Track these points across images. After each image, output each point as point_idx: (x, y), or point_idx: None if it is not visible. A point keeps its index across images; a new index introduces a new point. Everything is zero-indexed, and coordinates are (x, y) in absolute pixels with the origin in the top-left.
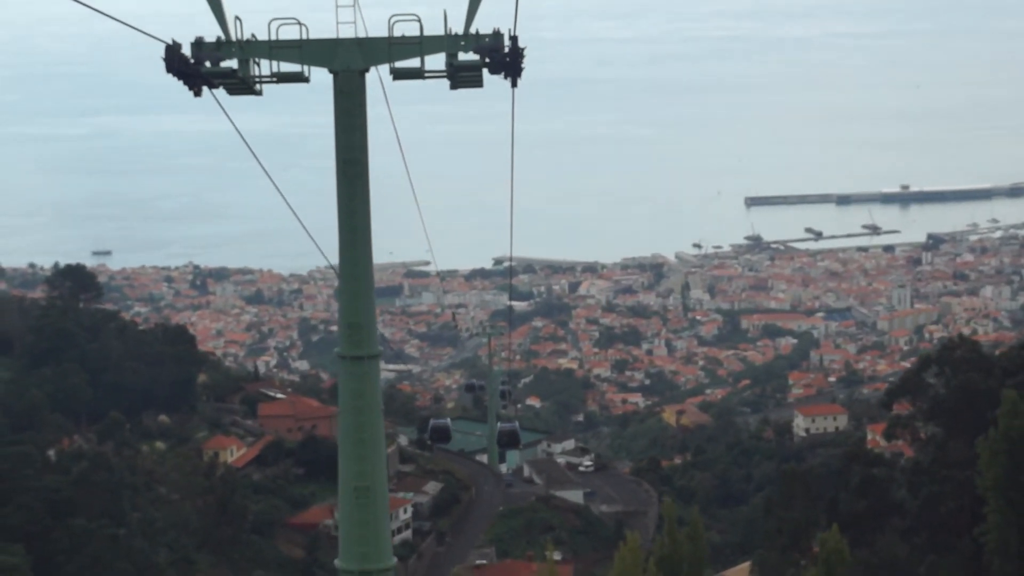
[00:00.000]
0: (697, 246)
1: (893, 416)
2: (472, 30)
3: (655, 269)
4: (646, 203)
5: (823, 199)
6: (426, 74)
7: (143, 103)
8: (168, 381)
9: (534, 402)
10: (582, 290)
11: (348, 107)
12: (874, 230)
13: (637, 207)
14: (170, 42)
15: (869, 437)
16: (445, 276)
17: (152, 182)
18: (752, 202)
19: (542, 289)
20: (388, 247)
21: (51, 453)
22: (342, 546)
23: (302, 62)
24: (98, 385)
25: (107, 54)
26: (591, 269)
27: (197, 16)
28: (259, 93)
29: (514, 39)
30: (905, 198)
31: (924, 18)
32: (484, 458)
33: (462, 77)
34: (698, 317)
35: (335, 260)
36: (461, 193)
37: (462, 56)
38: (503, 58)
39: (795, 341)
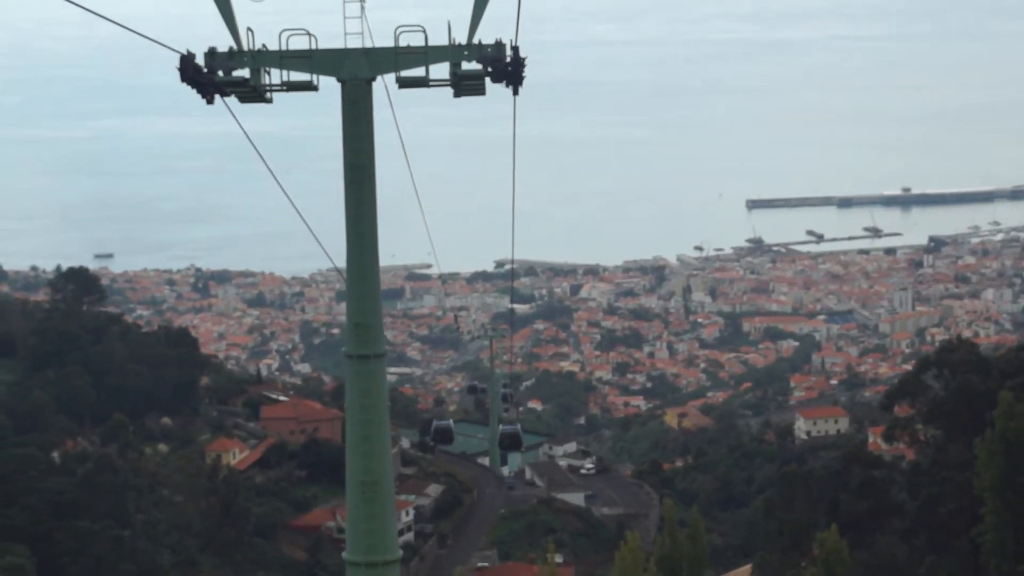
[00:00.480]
0: (699, 248)
1: (892, 418)
2: (475, 40)
3: (656, 272)
4: (647, 205)
5: (824, 202)
6: (431, 83)
7: (145, 105)
8: (171, 384)
9: (536, 405)
10: (584, 293)
11: (355, 115)
12: (876, 233)
13: (638, 209)
14: (184, 52)
15: (870, 440)
16: (447, 279)
17: (154, 185)
18: (753, 204)
19: (544, 292)
20: (390, 250)
21: (55, 455)
22: (349, 539)
23: (311, 71)
24: (101, 387)
25: (109, 57)
26: (593, 272)
27: (198, 18)
28: (269, 101)
29: (515, 49)
30: (907, 200)
31: (925, 20)
32: (486, 460)
33: (465, 86)
34: (699, 320)
35: (340, 262)
36: (463, 196)
37: (465, 65)
38: (505, 67)
39: (797, 344)
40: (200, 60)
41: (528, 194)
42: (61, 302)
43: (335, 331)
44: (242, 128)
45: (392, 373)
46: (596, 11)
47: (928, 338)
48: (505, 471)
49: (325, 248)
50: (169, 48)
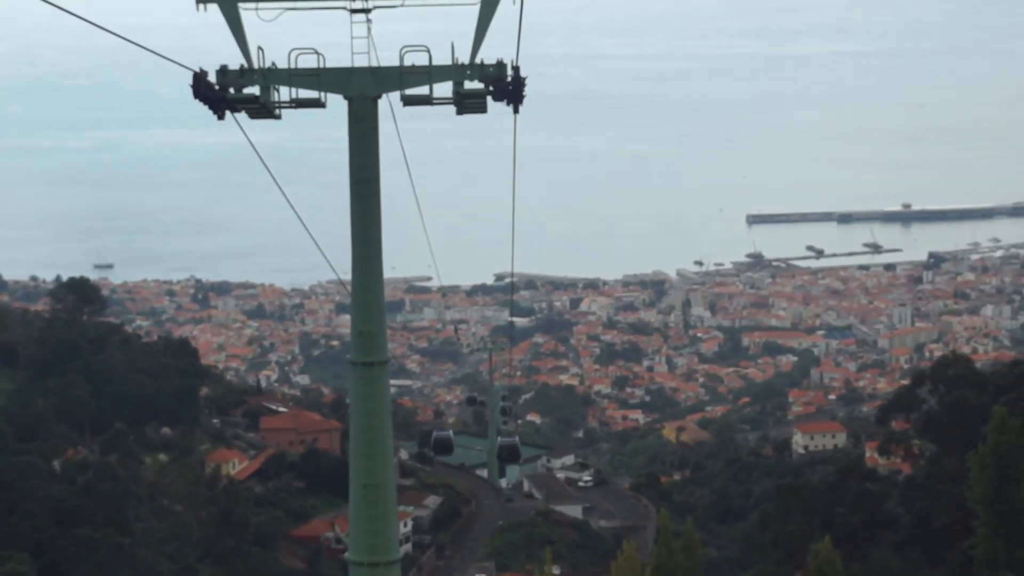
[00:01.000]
0: (699, 263)
1: (887, 432)
2: (477, 60)
3: (656, 286)
4: (648, 220)
5: (825, 217)
6: (434, 100)
7: (147, 117)
8: (171, 394)
9: (534, 418)
10: (583, 306)
11: (362, 131)
12: (875, 248)
13: (639, 224)
14: (197, 70)
15: (867, 455)
16: (446, 291)
17: (154, 195)
18: (754, 220)
19: (543, 305)
20: (390, 262)
21: (56, 463)
22: (352, 540)
23: (319, 89)
24: (102, 397)
25: (111, 67)
26: (592, 286)
27: (198, 29)
28: (278, 117)
29: (516, 69)
30: (907, 217)
31: (928, 38)
32: (484, 472)
33: (468, 103)
34: (699, 334)
35: (342, 273)
36: (463, 208)
37: (468, 84)
38: (506, 87)
39: (796, 359)
40: (212, 77)
41: (529, 207)
42: (62, 312)
43: (335, 343)
44: (252, 145)
45: (391, 385)
46: (599, 26)
47: (927, 354)
48: (503, 483)
49: (329, 260)
50: (178, 64)
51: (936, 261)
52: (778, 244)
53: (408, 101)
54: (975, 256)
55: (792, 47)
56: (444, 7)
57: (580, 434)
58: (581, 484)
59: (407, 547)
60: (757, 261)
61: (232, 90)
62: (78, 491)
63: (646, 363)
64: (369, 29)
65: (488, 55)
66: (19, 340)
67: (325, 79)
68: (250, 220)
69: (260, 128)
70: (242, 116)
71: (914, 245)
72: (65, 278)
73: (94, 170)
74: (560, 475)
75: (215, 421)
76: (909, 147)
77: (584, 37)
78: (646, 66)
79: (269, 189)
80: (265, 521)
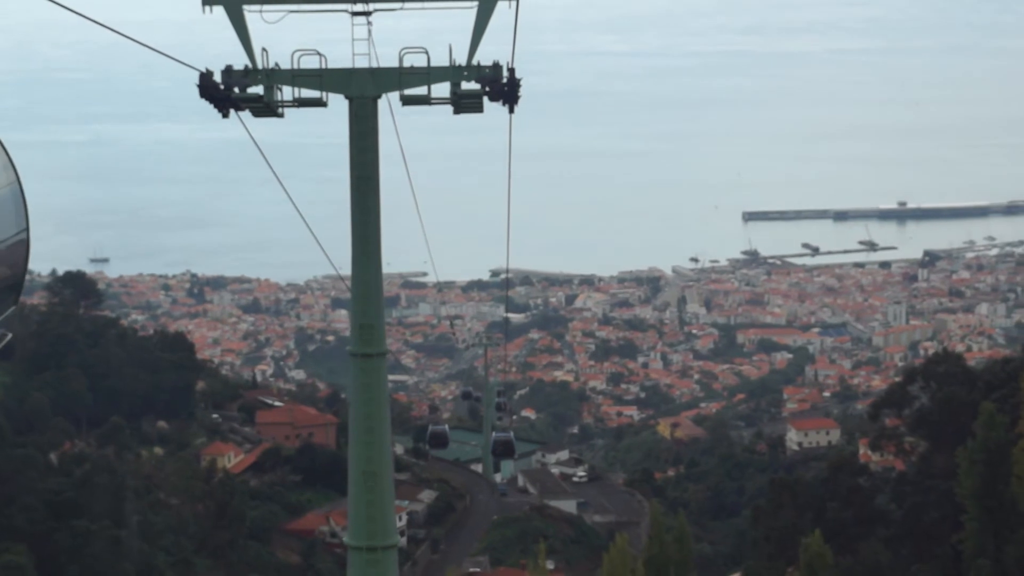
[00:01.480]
0: (694, 260)
1: (879, 428)
2: (474, 62)
3: (652, 283)
4: (644, 217)
5: (820, 215)
6: (432, 101)
7: (143, 111)
8: (167, 388)
9: (529, 414)
10: (579, 303)
11: (362, 130)
12: (871, 246)
13: (635, 220)
14: (204, 70)
15: (861, 451)
16: (442, 287)
17: (150, 190)
18: (750, 217)
19: (539, 301)
20: (385, 258)
21: (53, 456)
22: (351, 525)
23: (321, 89)
24: (98, 391)
25: (107, 61)
26: (588, 282)
27: (195, 24)
28: (281, 116)
29: (511, 71)
30: (902, 215)
31: (925, 36)
32: (479, 467)
33: (465, 103)
34: (694, 331)
35: (340, 268)
36: (459, 204)
37: (465, 85)
38: (502, 88)
39: (790, 356)
40: (214, 76)
41: (524, 204)
42: (58, 306)
43: (330, 338)
44: (257, 144)
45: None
46: (595, 23)
47: (921, 352)
48: (498, 478)
49: (328, 255)
50: (184, 64)
51: (931, 259)
52: (773, 241)
53: (407, 101)
54: (970, 254)
55: (788, 44)
56: (442, 10)
57: (575, 430)
58: (576, 479)
59: (402, 541)
60: (752, 258)
61: (237, 90)
62: (75, 484)
63: (641, 359)
64: (369, 31)
65: (486, 51)
66: (16, 334)
67: (327, 80)
68: (246, 215)
69: (257, 124)
70: (245, 114)
71: (909, 243)
72: (61, 272)
73: (90, 164)
74: (555, 470)
75: (215, 416)
76: (905, 145)
77: (580, 34)
78: (642, 63)
79: (265, 184)
80: (261, 515)
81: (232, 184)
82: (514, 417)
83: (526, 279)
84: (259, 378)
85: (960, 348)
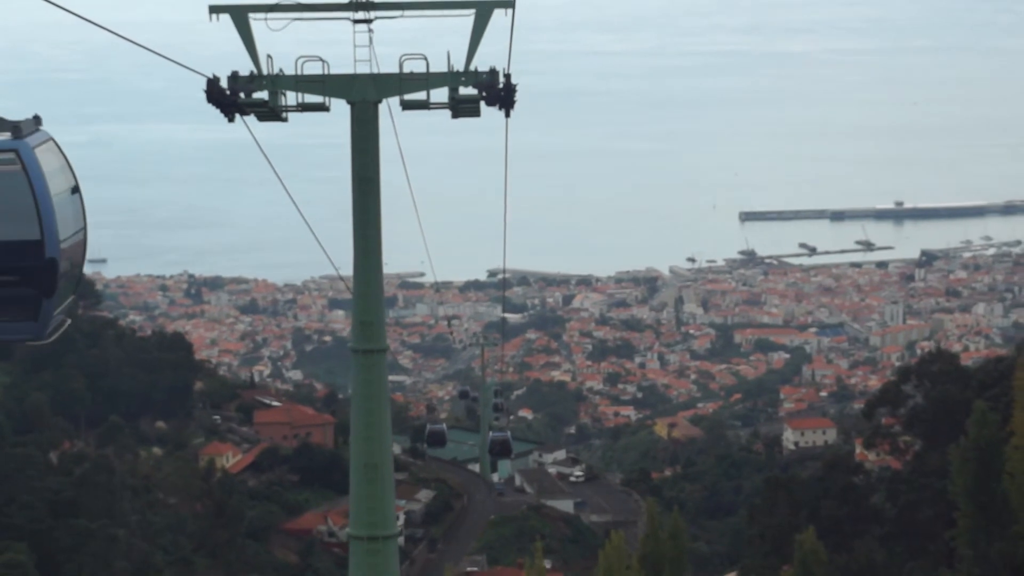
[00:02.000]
0: (691, 260)
1: (873, 426)
2: (472, 68)
3: (649, 283)
4: (641, 216)
5: (817, 215)
6: (431, 105)
7: (140, 112)
8: (165, 388)
9: (526, 414)
10: (576, 303)
11: (364, 133)
12: (868, 246)
13: (632, 220)
14: (211, 76)
15: (857, 451)
16: (439, 287)
17: (147, 190)
18: (747, 217)
19: (536, 301)
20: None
21: (53, 455)
22: (352, 515)
23: (324, 94)
24: (97, 391)
25: (104, 61)
26: (585, 282)
27: (192, 24)
28: (285, 120)
29: (507, 76)
30: (899, 214)
31: (923, 36)
32: (476, 467)
33: (462, 108)
34: (691, 331)
35: (339, 267)
36: (456, 204)
37: (462, 90)
38: (498, 93)
39: (787, 356)
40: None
41: (521, 204)
42: None
43: (327, 338)
44: (261, 147)
45: None
46: (592, 22)
47: (918, 351)
48: (495, 478)
49: (328, 254)
50: (195, 72)
51: (928, 259)
52: (771, 241)
53: (407, 106)
54: (967, 254)
55: (785, 44)
56: (441, 18)
57: (572, 430)
58: (573, 479)
59: (399, 540)
60: (750, 258)
61: (242, 95)
62: (74, 483)
63: (638, 360)
64: (371, 38)
65: (484, 50)
66: None
67: (329, 85)
68: (243, 216)
69: (254, 125)
70: (249, 119)
71: (906, 243)
72: None
73: (87, 165)
74: (552, 470)
75: (216, 417)
76: (902, 145)
77: (577, 33)
78: (639, 62)
79: (262, 184)
80: (259, 514)
81: (229, 185)
82: (511, 417)
83: (523, 279)
84: (256, 378)
85: (957, 348)
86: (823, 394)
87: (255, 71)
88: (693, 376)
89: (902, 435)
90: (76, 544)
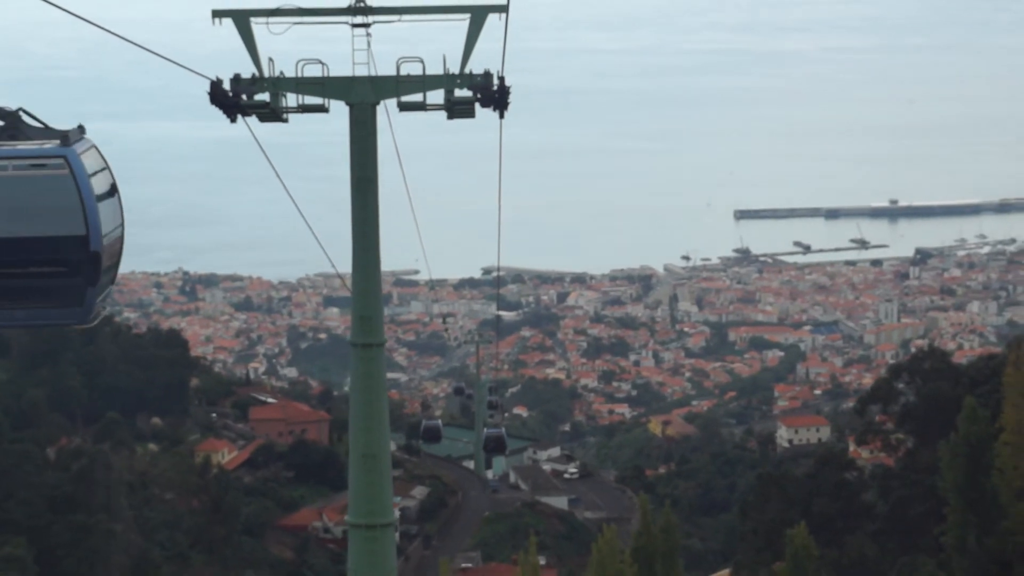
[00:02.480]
0: (686, 258)
1: (865, 423)
2: (467, 70)
3: (644, 281)
4: (635, 214)
5: (812, 213)
6: (427, 107)
7: (135, 109)
8: (161, 384)
9: (521, 411)
10: (570, 301)
11: (362, 134)
12: (862, 244)
13: (626, 218)
14: (215, 79)
15: (851, 448)
16: (434, 285)
17: (142, 188)
18: (741, 215)
19: (531, 299)
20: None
21: (50, 451)
22: (351, 505)
23: (324, 96)
24: (93, 387)
25: (99, 59)
26: (580, 280)
27: (188, 23)
28: (286, 121)
29: (502, 79)
30: (894, 213)
31: (918, 34)
32: (471, 464)
33: (457, 110)
34: (686, 329)
35: (338, 265)
36: (451, 202)
37: (458, 92)
38: (492, 95)
39: (782, 354)
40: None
41: (516, 201)
42: None
43: (322, 336)
44: (263, 149)
45: None
46: (587, 20)
47: (913, 350)
48: (490, 474)
49: (327, 252)
50: (199, 74)
51: (923, 257)
52: (765, 239)
53: (404, 107)
54: (962, 252)
55: (781, 42)
56: (437, 22)
57: (566, 428)
58: (567, 476)
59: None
60: (744, 256)
61: (245, 97)
62: (72, 479)
63: (633, 357)
64: (369, 42)
65: (480, 48)
66: (11, 330)
67: (329, 87)
68: (238, 213)
69: (253, 125)
70: (251, 119)
71: (901, 241)
72: None
73: None
74: (546, 467)
75: (213, 416)
76: (897, 143)
77: (573, 31)
78: (635, 61)
79: (258, 182)
80: (254, 510)
81: (224, 182)
82: (506, 414)
83: (518, 277)
84: (251, 376)
85: (951, 346)
86: (817, 392)
87: (257, 74)
88: (687, 374)
89: (894, 432)
90: (74, 539)
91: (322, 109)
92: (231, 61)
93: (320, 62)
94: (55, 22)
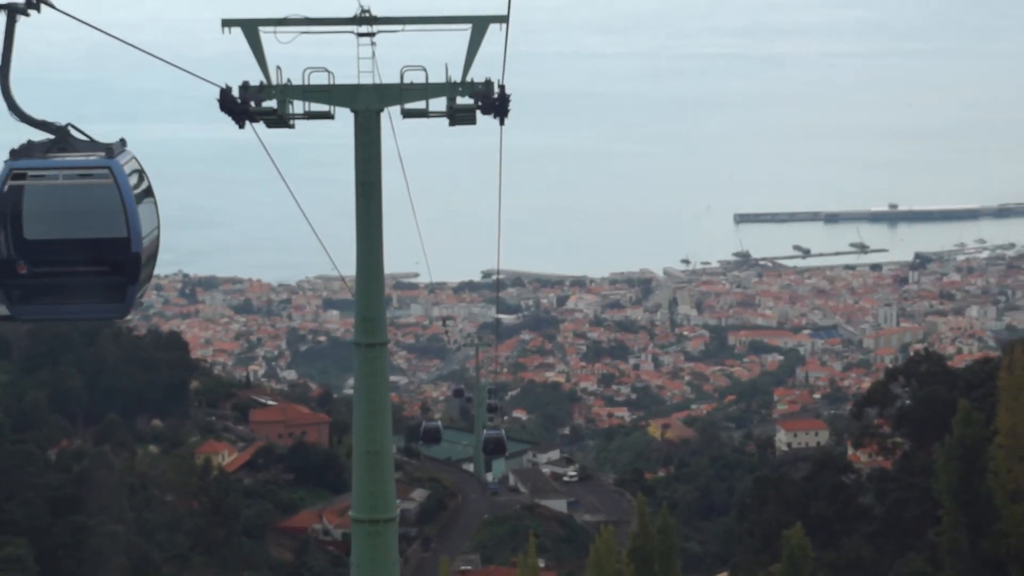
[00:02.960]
0: (685, 262)
1: (862, 425)
2: (468, 78)
3: (643, 284)
4: (635, 218)
5: (812, 217)
6: (430, 114)
7: (135, 111)
8: (162, 386)
9: (520, 414)
10: (570, 304)
11: (366, 141)
12: (862, 248)
13: (626, 222)
14: (224, 86)
15: (849, 452)
16: (434, 288)
17: None
18: (741, 219)
19: (530, 302)
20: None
21: (51, 453)
22: (355, 500)
23: (330, 103)
24: (94, 389)
25: (99, 61)
26: (579, 283)
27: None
28: (292, 127)
29: (502, 87)
30: (893, 217)
31: (917, 38)
32: (470, 467)
33: (459, 117)
34: (685, 332)
35: (341, 266)
36: (452, 205)
37: (459, 100)
38: (493, 102)
39: (781, 358)
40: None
41: (516, 205)
42: None
43: (321, 338)
44: (268, 153)
45: None
46: (587, 24)
47: (911, 354)
48: (489, 477)
49: (330, 254)
50: (209, 82)
51: (922, 261)
52: (765, 243)
53: (407, 114)
54: (961, 257)
55: (781, 46)
56: (440, 32)
57: (566, 431)
58: (566, 479)
59: None
60: (744, 260)
61: (253, 104)
62: (73, 480)
63: (632, 361)
64: (373, 51)
65: (481, 57)
66: (12, 332)
67: (334, 94)
68: (237, 216)
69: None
70: (258, 125)
71: (900, 245)
72: None
73: None
74: (545, 470)
75: (213, 418)
76: (896, 147)
77: (573, 35)
78: (635, 64)
79: (258, 185)
80: (254, 512)
81: (224, 185)
82: (505, 417)
83: (517, 280)
84: (251, 378)
85: (950, 350)
86: (816, 396)
87: (265, 81)
88: (687, 377)
89: (891, 435)
90: (75, 540)
91: (328, 116)
92: (232, 63)
93: (326, 70)
94: (55, 24)
